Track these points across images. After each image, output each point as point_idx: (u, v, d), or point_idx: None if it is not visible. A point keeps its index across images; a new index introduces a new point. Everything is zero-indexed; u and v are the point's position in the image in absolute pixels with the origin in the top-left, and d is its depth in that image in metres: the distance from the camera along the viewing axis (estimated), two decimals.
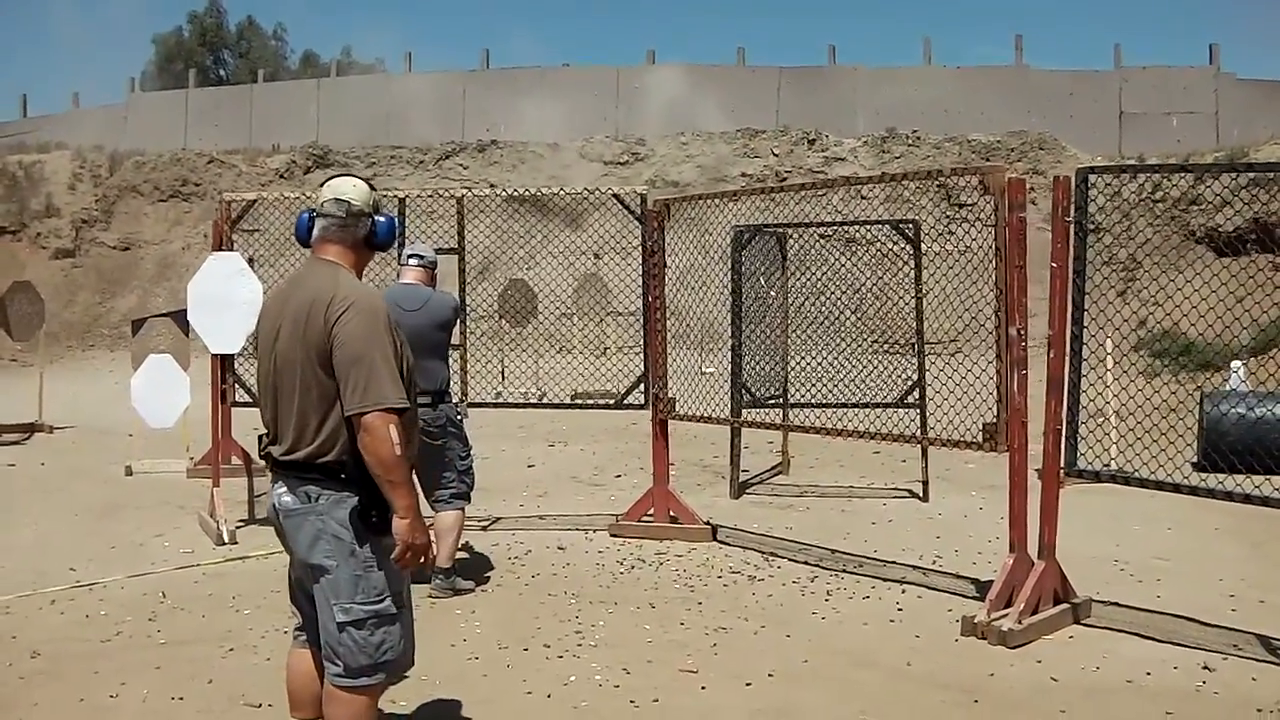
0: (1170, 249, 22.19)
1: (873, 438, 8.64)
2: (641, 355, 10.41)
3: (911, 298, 11.48)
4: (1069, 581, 7.31)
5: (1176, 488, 6.93)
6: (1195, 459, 11.37)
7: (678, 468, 12.43)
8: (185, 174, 33.65)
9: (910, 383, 11.54)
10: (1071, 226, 6.99)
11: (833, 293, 12.49)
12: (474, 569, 8.67)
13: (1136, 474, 7.28)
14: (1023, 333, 7.04)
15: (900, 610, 7.61)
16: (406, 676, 5.10)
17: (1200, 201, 23.53)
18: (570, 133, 34.32)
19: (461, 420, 8.35)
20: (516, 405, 12.41)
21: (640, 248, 10.20)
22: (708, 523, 9.83)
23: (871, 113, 35.46)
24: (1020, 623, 6.86)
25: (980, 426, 7.36)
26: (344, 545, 4.37)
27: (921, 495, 11.38)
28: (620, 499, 11.08)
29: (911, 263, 11.48)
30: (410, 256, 8.41)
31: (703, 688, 6.17)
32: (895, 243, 12.16)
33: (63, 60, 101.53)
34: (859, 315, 12.86)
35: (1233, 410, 11.87)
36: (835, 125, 34.06)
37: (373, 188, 4.78)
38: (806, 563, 8.91)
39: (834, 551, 9.24)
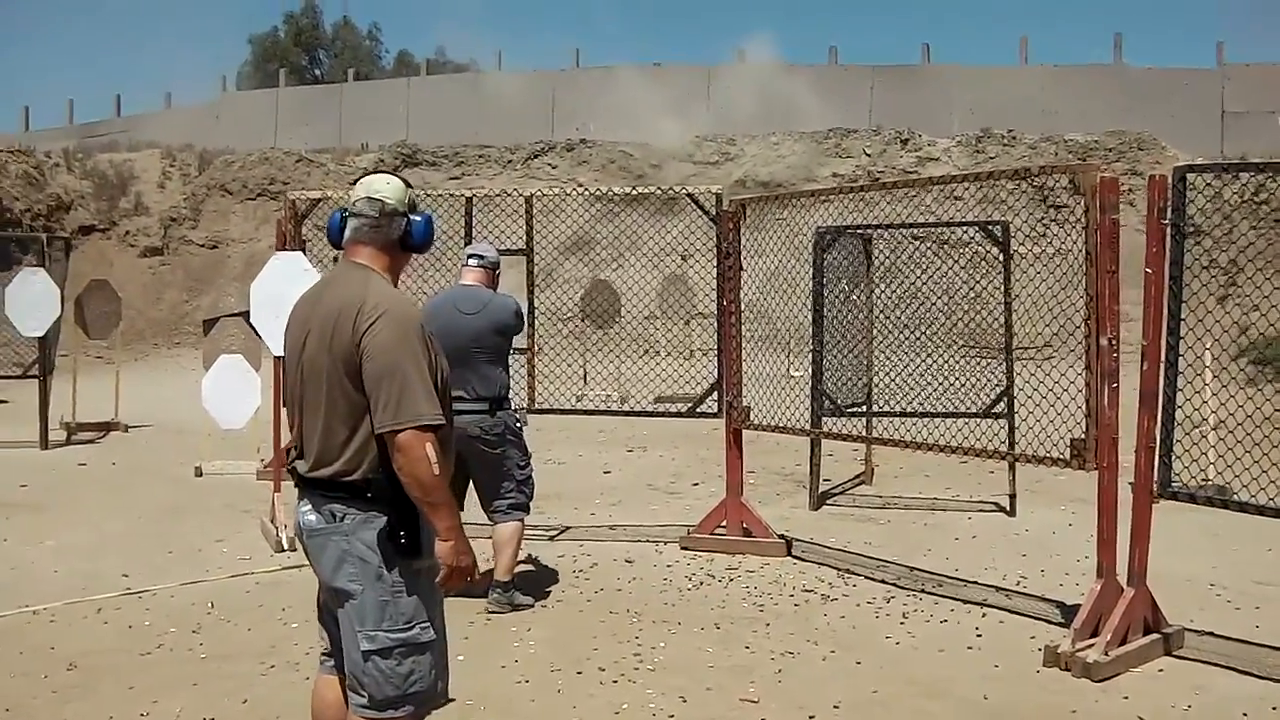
0: (1275, 254, 21.45)
1: (954, 451, 8.21)
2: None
3: (999, 303, 11.03)
4: (1160, 609, 6.85)
5: (1279, 513, 6.44)
6: None
7: (758, 476, 12.11)
8: (273, 173, 33.67)
9: (998, 392, 11.05)
10: (1168, 229, 6.52)
11: (920, 296, 12.03)
12: (536, 583, 8.33)
13: (1235, 497, 6.82)
14: (1114, 342, 6.60)
15: (979, 636, 7.18)
16: (451, 699, 4.78)
17: None
18: (660, 131, 33.95)
19: (521, 428, 8.00)
20: (582, 412, 12.02)
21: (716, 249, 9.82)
22: (782, 537, 9.44)
23: (966, 112, 34.76)
24: (1107, 654, 6.41)
25: (1069, 442, 6.93)
26: (370, 568, 4.04)
27: (1008, 509, 10.89)
28: (696, 508, 10.64)
29: (1001, 266, 11.04)
30: (470, 257, 8.09)
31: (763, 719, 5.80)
32: (984, 246, 11.62)
33: (157, 60, 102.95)
34: (948, 320, 12.37)
35: None
36: (929, 125, 33.44)
37: (408, 184, 4.43)
38: (884, 581, 8.48)
39: (913, 569, 8.80)
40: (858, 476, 12.55)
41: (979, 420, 10.54)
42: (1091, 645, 6.49)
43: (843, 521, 10.67)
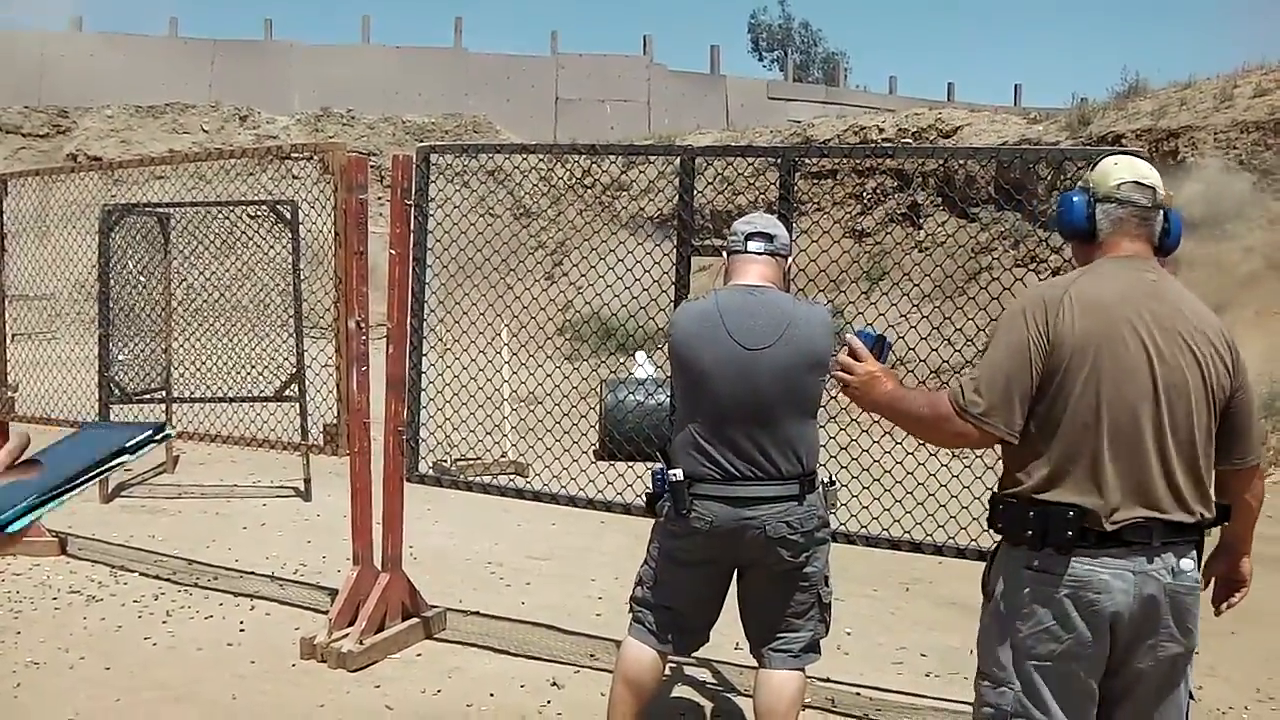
0: (601, 227, 22.43)
1: (234, 443, 7.90)
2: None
3: (291, 282, 10.75)
4: (419, 593, 6.79)
5: (511, 491, 6.58)
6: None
7: None
8: None
9: (291, 374, 10.75)
10: (412, 209, 6.42)
11: (218, 275, 11.59)
12: None
13: (480, 478, 6.90)
14: (362, 325, 6.44)
15: (243, 631, 6.86)
16: None
17: (629, 187, 23.92)
18: None
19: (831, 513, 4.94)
20: None
21: None
22: (57, 534, 8.75)
23: (308, 90, 34.55)
24: (361, 643, 6.27)
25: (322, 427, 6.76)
26: None
27: (304, 494, 10.67)
28: None
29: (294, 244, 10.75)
30: (750, 238, 4.78)
31: None
32: (272, 223, 11.29)
33: None
34: (251, 300, 12.03)
35: (630, 397, 11.84)
36: (270, 102, 32.99)
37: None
38: (159, 577, 7.97)
39: (191, 563, 8.32)
40: (160, 465, 11.93)
41: (280, 403, 10.33)
42: (347, 634, 6.34)
43: (133, 514, 10.04)
